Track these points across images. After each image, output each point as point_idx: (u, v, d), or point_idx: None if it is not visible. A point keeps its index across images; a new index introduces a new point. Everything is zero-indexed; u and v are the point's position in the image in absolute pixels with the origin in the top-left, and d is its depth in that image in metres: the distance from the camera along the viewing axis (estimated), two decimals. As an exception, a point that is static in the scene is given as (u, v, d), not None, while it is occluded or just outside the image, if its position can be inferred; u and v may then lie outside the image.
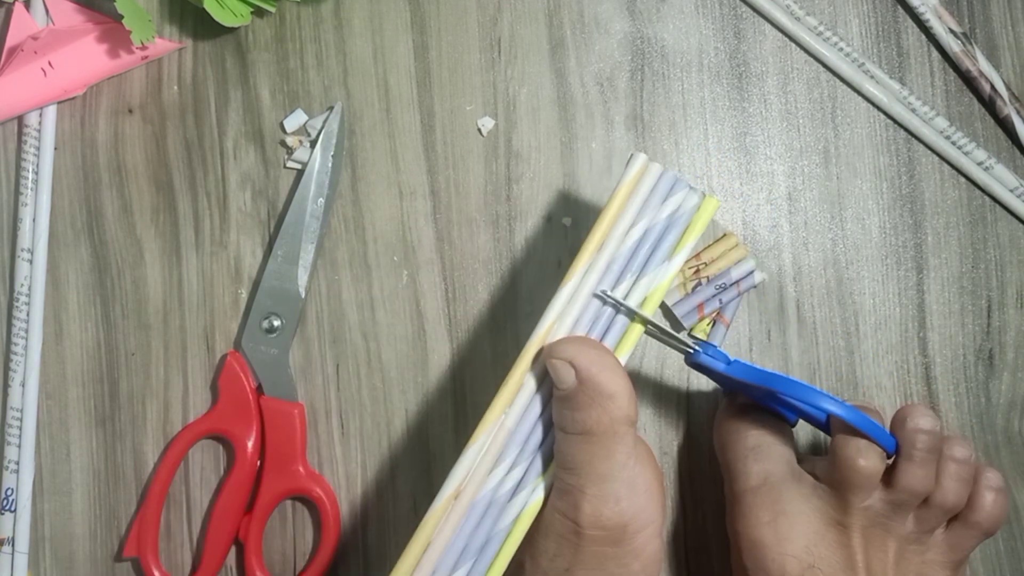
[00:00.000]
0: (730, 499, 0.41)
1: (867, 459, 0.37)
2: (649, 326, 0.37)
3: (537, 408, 0.36)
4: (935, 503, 0.38)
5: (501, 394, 0.36)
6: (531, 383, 0.36)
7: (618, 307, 0.36)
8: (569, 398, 0.34)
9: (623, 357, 0.36)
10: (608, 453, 0.34)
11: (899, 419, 0.39)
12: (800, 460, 0.41)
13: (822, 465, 0.39)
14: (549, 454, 0.36)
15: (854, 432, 0.37)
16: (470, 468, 0.36)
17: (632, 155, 0.37)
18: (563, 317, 0.36)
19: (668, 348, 0.46)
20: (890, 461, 0.38)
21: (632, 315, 0.36)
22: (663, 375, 0.46)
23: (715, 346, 0.38)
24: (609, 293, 0.36)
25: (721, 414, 0.43)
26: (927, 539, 0.38)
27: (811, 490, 0.39)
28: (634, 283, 0.36)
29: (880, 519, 0.38)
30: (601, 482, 0.34)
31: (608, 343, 0.36)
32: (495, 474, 0.36)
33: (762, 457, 0.40)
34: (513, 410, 0.36)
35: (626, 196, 0.37)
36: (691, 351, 0.38)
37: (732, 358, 0.38)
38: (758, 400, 0.42)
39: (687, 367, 0.46)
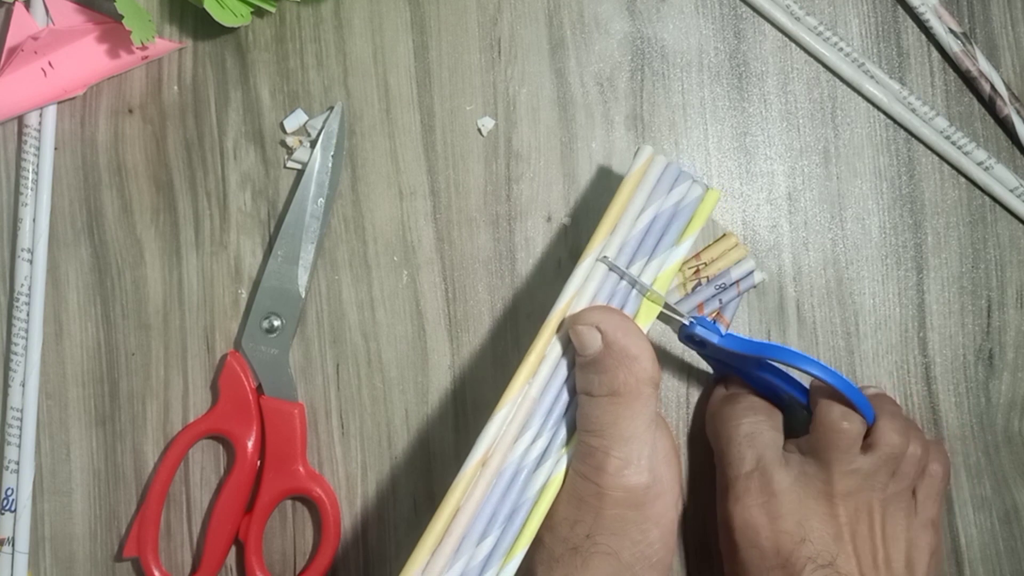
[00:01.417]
0: (723, 484, 0.41)
1: (850, 421, 0.39)
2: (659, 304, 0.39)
3: (560, 378, 0.37)
4: (909, 455, 0.40)
5: (524, 364, 0.37)
6: (553, 355, 0.37)
7: (633, 283, 0.38)
8: (596, 362, 0.36)
9: None
10: (633, 414, 0.35)
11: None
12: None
13: (805, 439, 0.40)
14: (572, 424, 0.37)
15: (836, 398, 0.39)
16: (496, 436, 0.37)
17: (639, 147, 0.39)
18: (581, 293, 0.38)
19: (667, 350, 0.46)
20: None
21: (645, 291, 0.38)
22: (663, 374, 0.46)
23: (708, 319, 0.39)
24: (625, 269, 0.38)
25: (713, 403, 0.44)
26: (907, 499, 0.40)
27: (799, 467, 0.40)
28: (645, 265, 0.38)
29: (865, 483, 0.39)
30: (625, 443, 0.35)
31: None
32: (521, 442, 0.37)
33: (755, 442, 0.41)
34: (537, 380, 0.37)
35: (635, 184, 0.39)
36: (686, 323, 0.40)
37: (724, 331, 0.39)
38: (747, 377, 0.43)
39: (688, 358, 0.46)
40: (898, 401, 0.46)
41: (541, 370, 0.37)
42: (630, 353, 0.35)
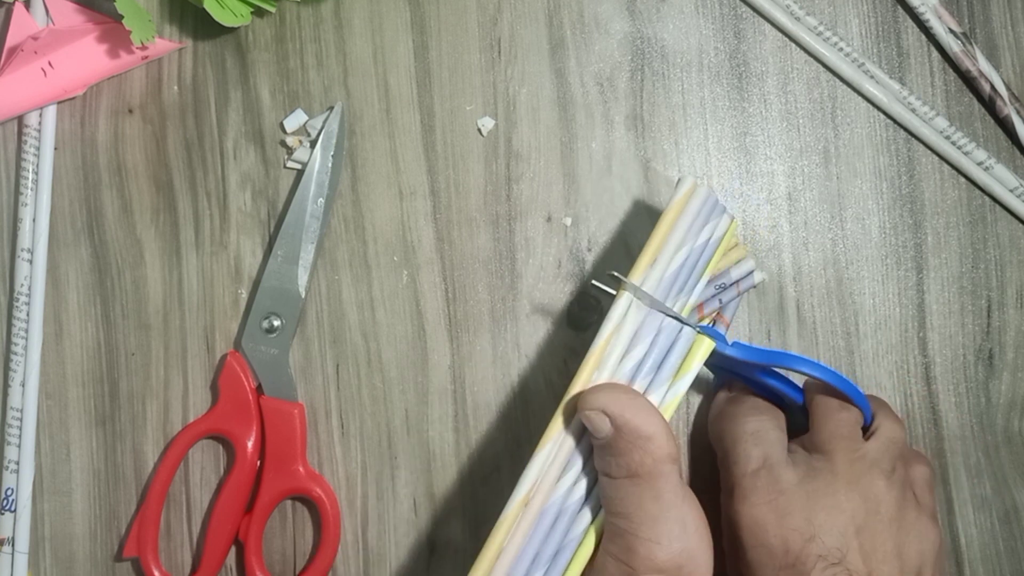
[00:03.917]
0: (728, 484, 0.41)
1: (847, 409, 0.40)
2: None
3: None
4: (907, 444, 0.41)
5: (565, 404, 0.36)
6: None
7: (679, 319, 0.37)
8: (609, 445, 0.35)
9: (691, 374, 0.37)
10: (656, 494, 0.34)
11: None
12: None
13: (807, 436, 0.41)
14: None
15: (830, 393, 0.40)
16: (538, 475, 0.36)
17: (680, 178, 0.38)
18: (620, 330, 0.37)
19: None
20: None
21: (697, 327, 0.37)
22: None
23: (714, 328, 0.39)
24: (664, 303, 0.37)
25: (716, 405, 0.44)
26: (910, 491, 0.40)
27: (805, 464, 0.40)
28: (677, 300, 0.38)
29: (872, 469, 0.39)
30: (653, 523, 0.34)
31: (675, 356, 0.37)
32: (563, 483, 0.36)
33: (760, 441, 0.40)
34: (577, 420, 0.36)
35: (675, 216, 0.38)
36: (686, 324, 0.39)
37: (730, 340, 0.39)
38: (749, 381, 0.43)
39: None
40: (898, 401, 0.46)
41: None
42: (643, 433, 0.34)
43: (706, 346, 0.37)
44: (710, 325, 0.39)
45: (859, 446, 0.39)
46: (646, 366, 0.37)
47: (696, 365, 0.37)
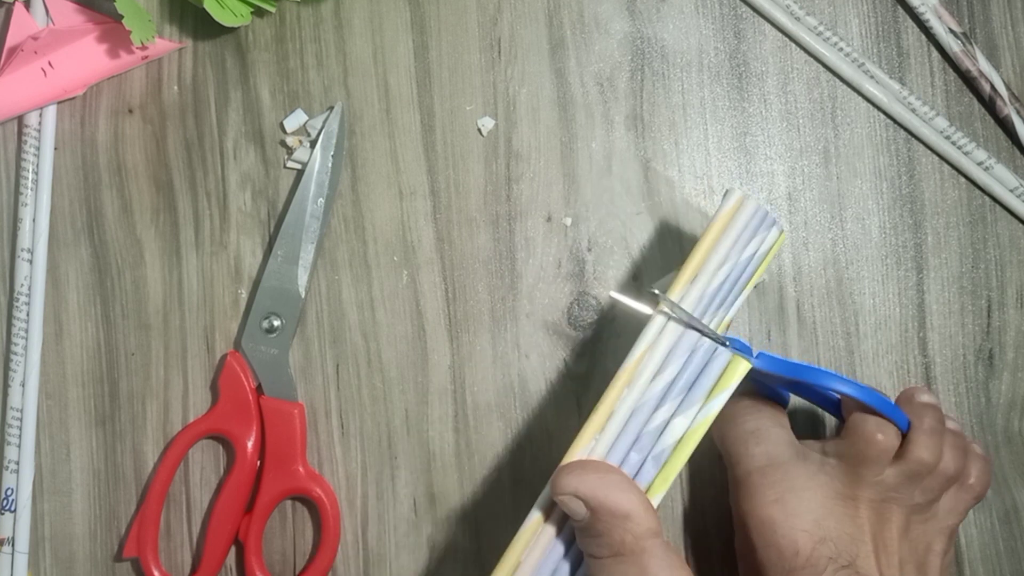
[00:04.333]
0: (734, 482, 0.41)
1: (885, 434, 0.38)
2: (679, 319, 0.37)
3: (628, 438, 0.36)
4: (939, 472, 0.39)
5: (591, 421, 0.35)
6: (622, 411, 0.35)
7: (718, 339, 0.36)
8: (588, 527, 0.34)
9: (724, 395, 0.36)
10: (641, 570, 0.34)
11: (905, 398, 0.41)
12: (800, 441, 0.41)
13: (833, 443, 0.40)
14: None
15: (871, 412, 0.38)
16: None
17: (728, 190, 0.38)
18: (653, 349, 0.36)
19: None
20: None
21: (735, 348, 0.36)
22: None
23: (740, 340, 0.38)
24: (701, 321, 0.35)
25: None
26: (929, 509, 0.40)
27: (818, 466, 0.39)
28: (715, 316, 0.37)
29: (890, 492, 0.38)
30: None
31: (709, 377, 0.36)
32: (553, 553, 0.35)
33: (762, 439, 0.40)
34: (604, 437, 0.35)
35: (720, 230, 0.37)
36: (723, 344, 0.38)
37: (756, 351, 0.38)
38: (754, 381, 0.42)
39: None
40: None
41: (608, 427, 0.35)
42: (620, 512, 0.33)
43: (742, 368, 0.36)
44: (738, 339, 0.38)
45: (882, 470, 0.38)
46: (677, 386, 0.36)
47: (731, 386, 0.36)
